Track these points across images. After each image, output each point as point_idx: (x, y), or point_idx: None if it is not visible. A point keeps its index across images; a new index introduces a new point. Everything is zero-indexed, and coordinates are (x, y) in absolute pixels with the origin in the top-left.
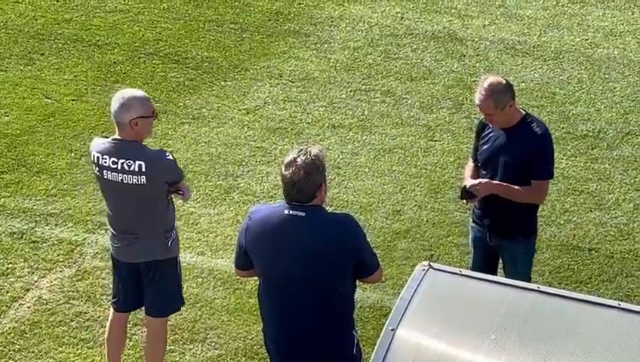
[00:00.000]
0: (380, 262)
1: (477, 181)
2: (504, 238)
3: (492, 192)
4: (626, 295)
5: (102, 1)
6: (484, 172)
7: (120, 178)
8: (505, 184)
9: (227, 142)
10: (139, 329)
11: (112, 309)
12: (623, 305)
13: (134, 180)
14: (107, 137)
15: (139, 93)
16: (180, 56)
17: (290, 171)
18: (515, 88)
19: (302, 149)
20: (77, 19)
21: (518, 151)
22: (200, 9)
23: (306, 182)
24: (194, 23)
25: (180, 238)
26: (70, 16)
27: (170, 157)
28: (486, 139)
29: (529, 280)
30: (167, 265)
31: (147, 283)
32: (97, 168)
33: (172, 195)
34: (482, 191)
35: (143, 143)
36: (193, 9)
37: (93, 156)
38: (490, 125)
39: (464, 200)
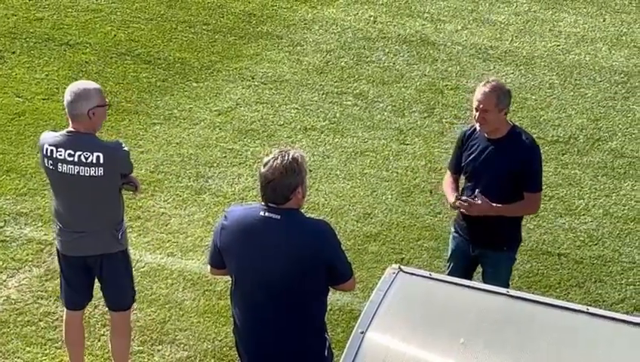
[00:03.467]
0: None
1: (475, 203)
2: (488, 248)
3: (486, 213)
4: (595, 300)
5: (74, 0)
6: (469, 183)
7: (77, 170)
8: (499, 206)
9: (198, 143)
10: (107, 330)
11: (65, 309)
12: (592, 309)
13: (92, 172)
14: (57, 130)
15: (92, 83)
16: (152, 57)
17: (266, 170)
18: None
19: (282, 150)
20: (49, 18)
21: (506, 163)
22: (173, 10)
23: (280, 183)
24: (166, 24)
25: (149, 239)
26: (42, 15)
27: (126, 148)
28: (471, 149)
29: (507, 286)
30: (118, 258)
31: (100, 277)
32: (51, 161)
33: (123, 188)
34: (475, 210)
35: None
36: (166, 10)
37: (46, 149)
38: (478, 132)
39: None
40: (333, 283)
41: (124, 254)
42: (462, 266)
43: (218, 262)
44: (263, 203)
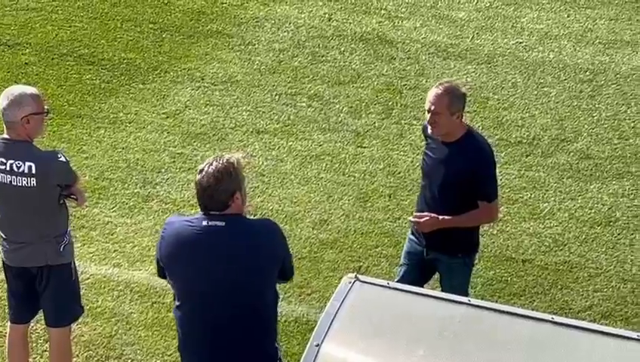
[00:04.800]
0: (306, 274)
1: (423, 218)
2: (442, 253)
3: (438, 227)
4: (561, 307)
5: None
6: (423, 182)
7: (9, 179)
8: (449, 218)
9: (146, 147)
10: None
11: (9, 323)
12: (557, 318)
13: (24, 182)
14: None
15: (30, 89)
16: (95, 57)
17: (201, 177)
18: None
19: (218, 156)
20: None
21: (455, 169)
22: (117, 7)
23: (215, 189)
24: (111, 22)
25: (94, 249)
26: None
27: (63, 158)
28: (427, 148)
29: (466, 295)
30: (60, 271)
31: (41, 290)
32: None
33: (65, 199)
34: (426, 227)
35: (34, 143)
36: (110, 7)
37: None
38: (431, 133)
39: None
40: (281, 279)
41: (68, 267)
42: (415, 270)
43: (164, 275)
44: (202, 212)
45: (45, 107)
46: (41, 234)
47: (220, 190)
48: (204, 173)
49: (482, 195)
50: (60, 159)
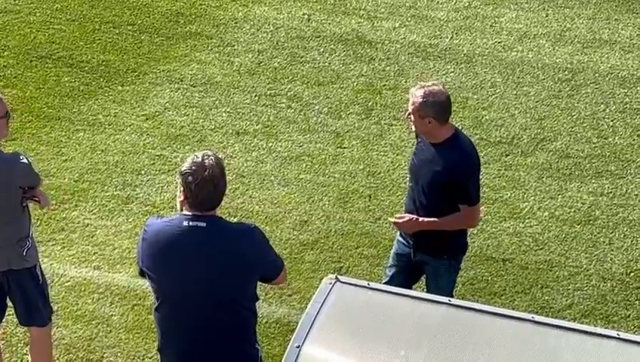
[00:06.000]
0: (287, 275)
1: (403, 219)
2: (429, 254)
3: (418, 229)
4: (541, 306)
5: None
6: (410, 183)
7: None
8: (429, 220)
9: (125, 149)
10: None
11: None
12: (537, 318)
13: None
14: None
15: None
16: (74, 60)
17: (206, 174)
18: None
19: (203, 154)
20: None
21: (437, 171)
22: (96, 9)
23: (220, 182)
24: (89, 24)
25: (74, 252)
26: None
27: (25, 160)
28: (417, 149)
29: (451, 296)
30: (25, 275)
31: (10, 294)
32: None
33: (28, 202)
34: (407, 228)
35: None
36: (88, 9)
37: None
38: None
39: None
40: (266, 280)
41: (32, 271)
42: (403, 272)
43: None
44: (183, 213)
45: (7, 110)
46: (3, 238)
47: (222, 184)
48: (205, 168)
49: (463, 199)
50: (23, 160)
